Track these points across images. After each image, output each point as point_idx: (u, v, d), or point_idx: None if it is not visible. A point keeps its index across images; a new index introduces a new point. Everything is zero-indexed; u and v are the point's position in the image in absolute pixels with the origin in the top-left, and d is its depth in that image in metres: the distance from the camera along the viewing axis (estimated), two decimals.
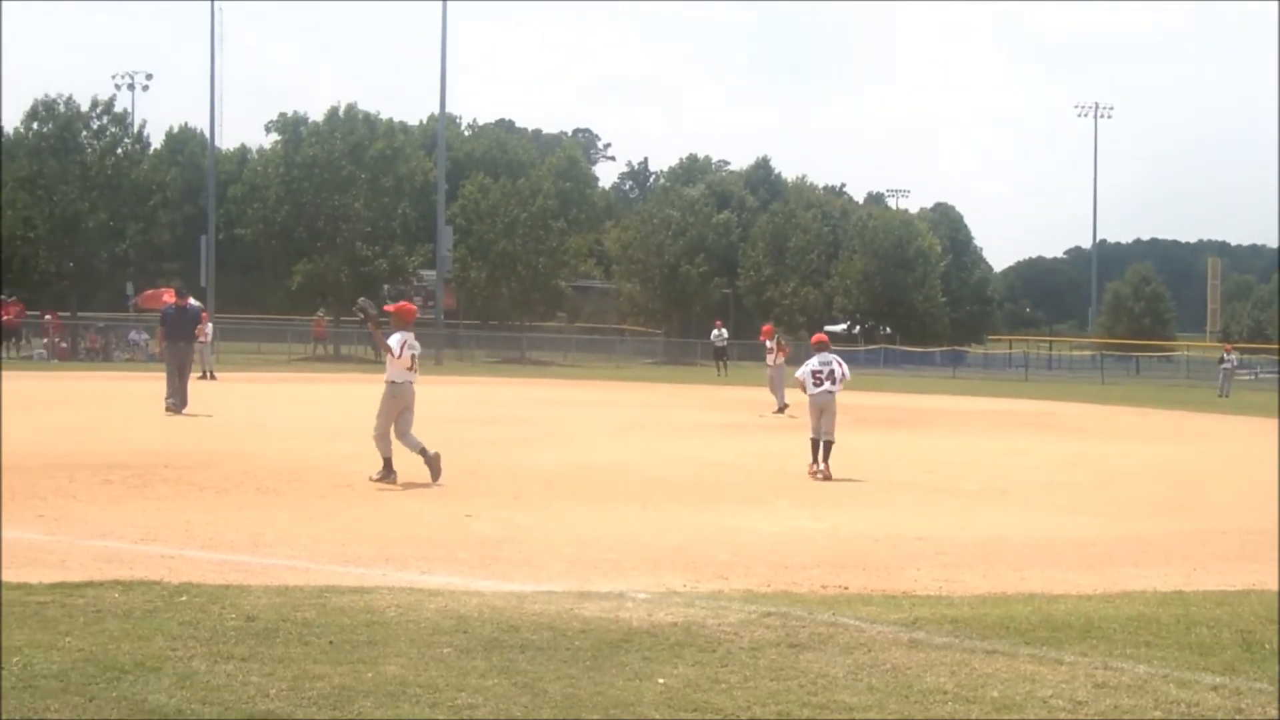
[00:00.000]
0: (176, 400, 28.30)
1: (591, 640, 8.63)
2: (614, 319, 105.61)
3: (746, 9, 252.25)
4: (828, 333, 24.46)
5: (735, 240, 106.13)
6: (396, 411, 18.55)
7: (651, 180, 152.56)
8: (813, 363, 21.29)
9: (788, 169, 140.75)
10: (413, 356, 18.98)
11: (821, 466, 20.29)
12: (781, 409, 34.67)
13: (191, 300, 31.58)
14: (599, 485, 18.48)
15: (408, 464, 17.89)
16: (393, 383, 18.73)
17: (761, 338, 38.51)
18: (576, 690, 7.41)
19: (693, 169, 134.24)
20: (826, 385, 20.90)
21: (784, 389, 35.05)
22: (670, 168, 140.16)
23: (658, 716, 6.96)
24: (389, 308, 20.64)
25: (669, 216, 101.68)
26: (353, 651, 8.12)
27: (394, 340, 18.94)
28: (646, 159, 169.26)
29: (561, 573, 11.44)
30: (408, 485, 17.48)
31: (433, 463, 18.11)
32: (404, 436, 18.46)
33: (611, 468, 20.85)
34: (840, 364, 21.35)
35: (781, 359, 36.59)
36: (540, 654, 8.22)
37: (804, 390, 21.33)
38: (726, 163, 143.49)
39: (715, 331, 67.70)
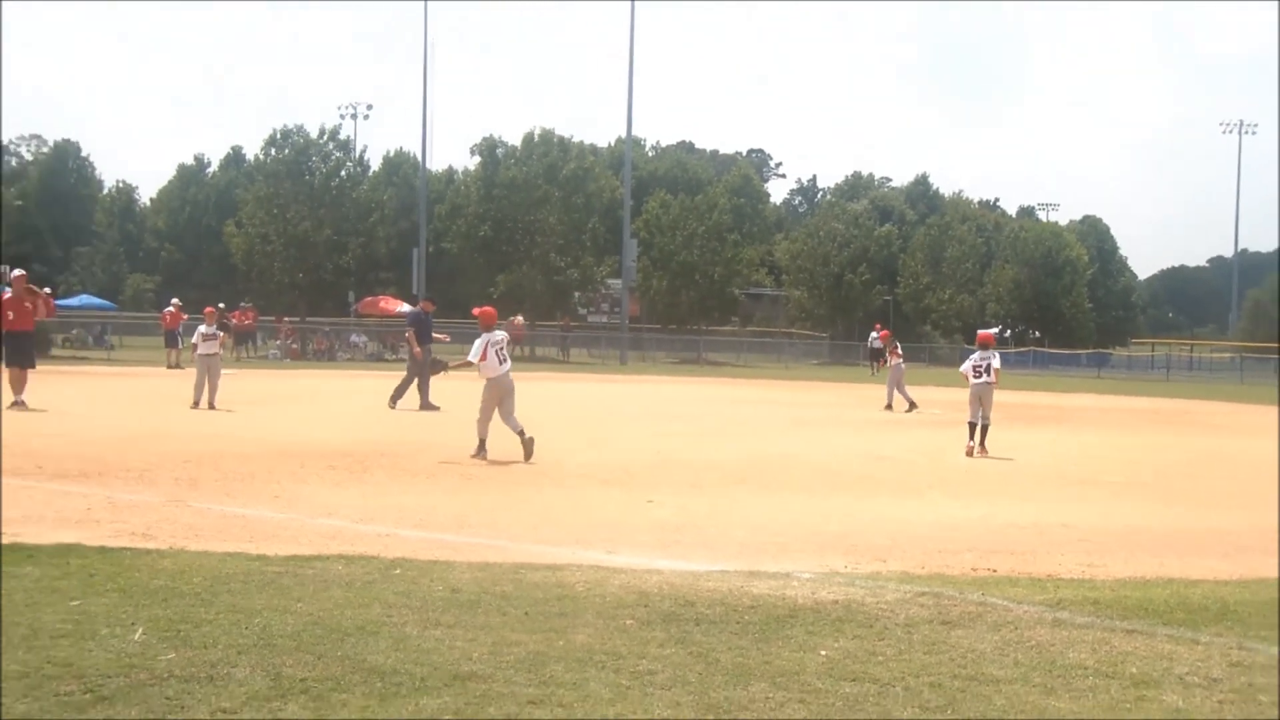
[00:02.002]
0: (395, 392, 28.73)
1: (760, 615, 8.66)
2: (783, 323, 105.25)
3: (908, 40, 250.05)
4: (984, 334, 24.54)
5: (895, 251, 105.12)
6: (496, 401, 19.16)
7: (819, 196, 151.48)
8: (974, 357, 23.01)
9: (945, 185, 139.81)
10: (497, 351, 19.52)
11: (978, 446, 21.79)
12: (909, 405, 34.05)
13: (422, 307, 31.91)
14: (769, 475, 18.45)
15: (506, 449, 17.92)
16: (489, 380, 19.31)
17: (879, 340, 37.93)
18: (746, 660, 7.45)
19: (857, 185, 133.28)
20: (985, 377, 22.44)
21: (905, 388, 34.67)
22: (836, 184, 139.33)
23: (820, 685, 6.97)
24: (475, 312, 21.03)
25: (834, 229, 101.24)
26: (545, 621, 8.23)
27: (476, 345, 19.54)
28: (815, 176, 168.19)
29: (733, 554, 11.45)
30: (509, 464, 17.62)
31: (527, 445, 18.74)
32: (508, 419, 19.13)
33: (780, 459, 20.80)
34: (996, 357, 23.07)
35: (895, 360, 35.89)
36: (713, 627, 8.27)
37: (967, 381, 22.78)
38: (888, 179, 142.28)
39: (873, 335, 67.17)
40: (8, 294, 27.66)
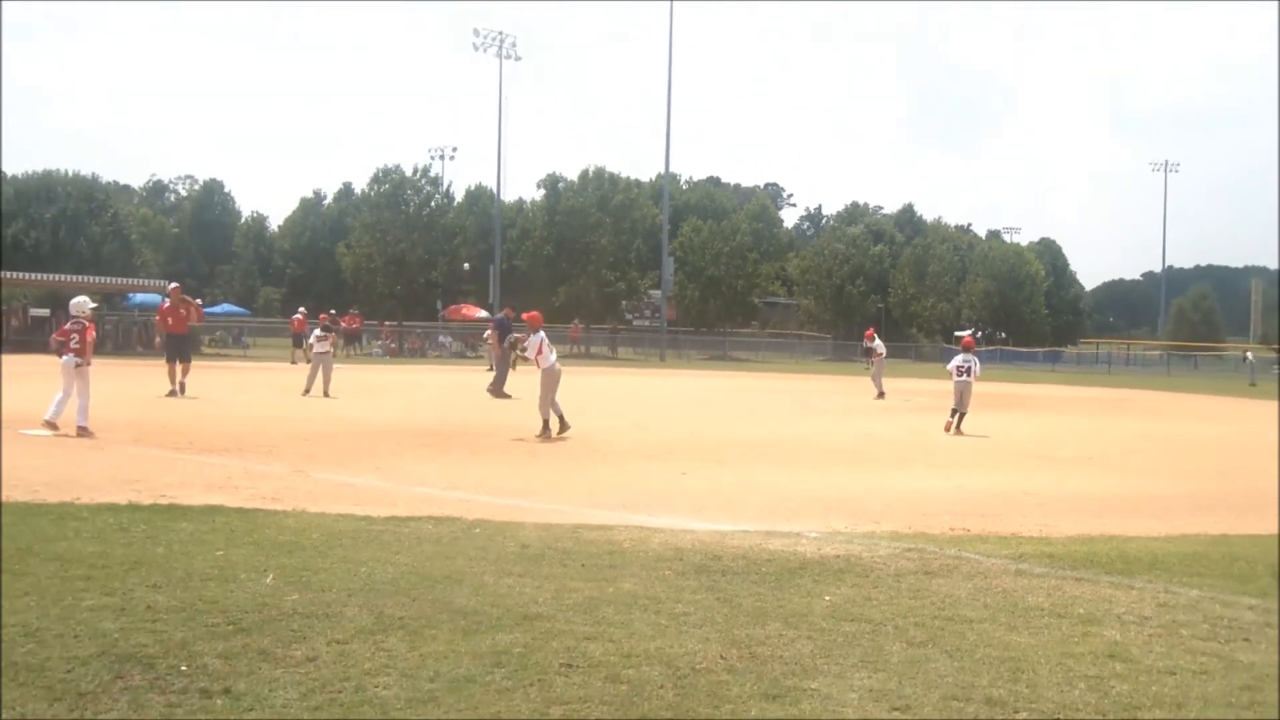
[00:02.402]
0: (496, 387, 28.85)
1: (775, 567, 8.66)
2: (794, 326, 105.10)
3: (897, 91, 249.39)
4: (960, 338, 24.82)
5: (886, 267, 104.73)
6: (552, 388, 19.03)
7: (823, 221, 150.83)
8: (958, 359, 23.30)
9: (928, 212, 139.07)
10: (548, 347, 19.61)
11: (955, 427, 22.36)
12: (880, 396, 33.88)
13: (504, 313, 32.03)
14: (782, 452, 18.41)
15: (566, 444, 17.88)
16: (547, 370, 19.15)
17: (866, 340, 37.79)
18: (764, 604, 7.45)
19: (855, 213, 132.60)
20: (965, 376, 22.76)
21: (881, 381, 34.73)
22: (837, 212, 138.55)
23: (825, 624, 6.97)
24: (525, 316, 21.07)
25: (836, 249, 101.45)
26: (598, 572, 8.24)
27: (532, 341, 19.52)
28: (820, 205, 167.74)
29: (753, 517, 11.44)
30: (567, 442, 17.64)
31: (563, 425, 18.85)
32: (543, 402, 19.00)
33: (792, 439, 20.77)
34: (976, 361, 23.43)
35: (878, 357, 35.80)
36: (737, 577, 8.27)
37: (951, 376, 23.10)
38: (881, 208, 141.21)
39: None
40: (166, 304, 27.87)
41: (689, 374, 53.63)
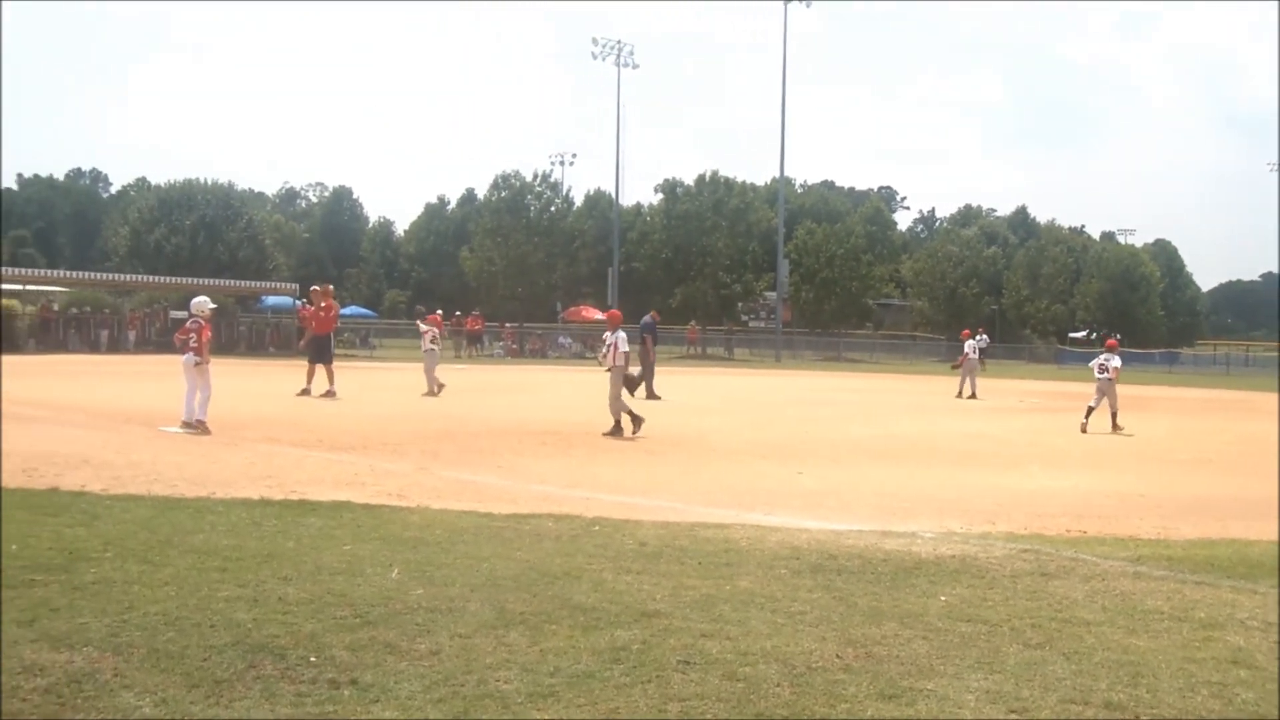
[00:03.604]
0: (645, 390, 29.00)
1: (891, 567, 8.56)
2: (908, 328, 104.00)
3: (1010, 93, 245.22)
4: (1074, 339, 24.62)
5: (1000, 269, 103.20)
6: (622, 386, 19.00)
7: (937, 224, 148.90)
8: (1100, 358, 23.55)
9: (1041, 214, 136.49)
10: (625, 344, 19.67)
11: (1112, 425, 22.70)
12: (968, 393, 33.80)
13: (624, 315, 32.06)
14: (896, 452, 18.22)
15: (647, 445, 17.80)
16: (618, 368, 19.13)
17: (962, 338, 37.63)
18: (879, 603, 7.37)
19: (968, 215, 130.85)
20: (1106, 375, 23.04)
21: (975, 382, 34.59)
22: (951, 214, 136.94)
23: (940, 624, 6.87)
24: (605, 315, 20.97)
25: (950, 251, 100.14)
26: (715, 570, 8.21)
27: (622, 339, 19.53)
28: (933, 208, 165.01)
29: (868, 516, 11.33)
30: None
31: (637, 422, 18.75)
32: (614, 400, 18.96)
33: (906, 439, 20.55)
34: (1116, 361, 23.53)
35: (974, 357, 35.55)
36: (852, 576, 8.18)
37: (1094, 375, 23.46)
38: (994, 210, 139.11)
39: (978, 336, 65.50)
40: (304, 306, 28.34)
41: (804, 375, 53.30)
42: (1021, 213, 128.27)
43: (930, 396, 35.05)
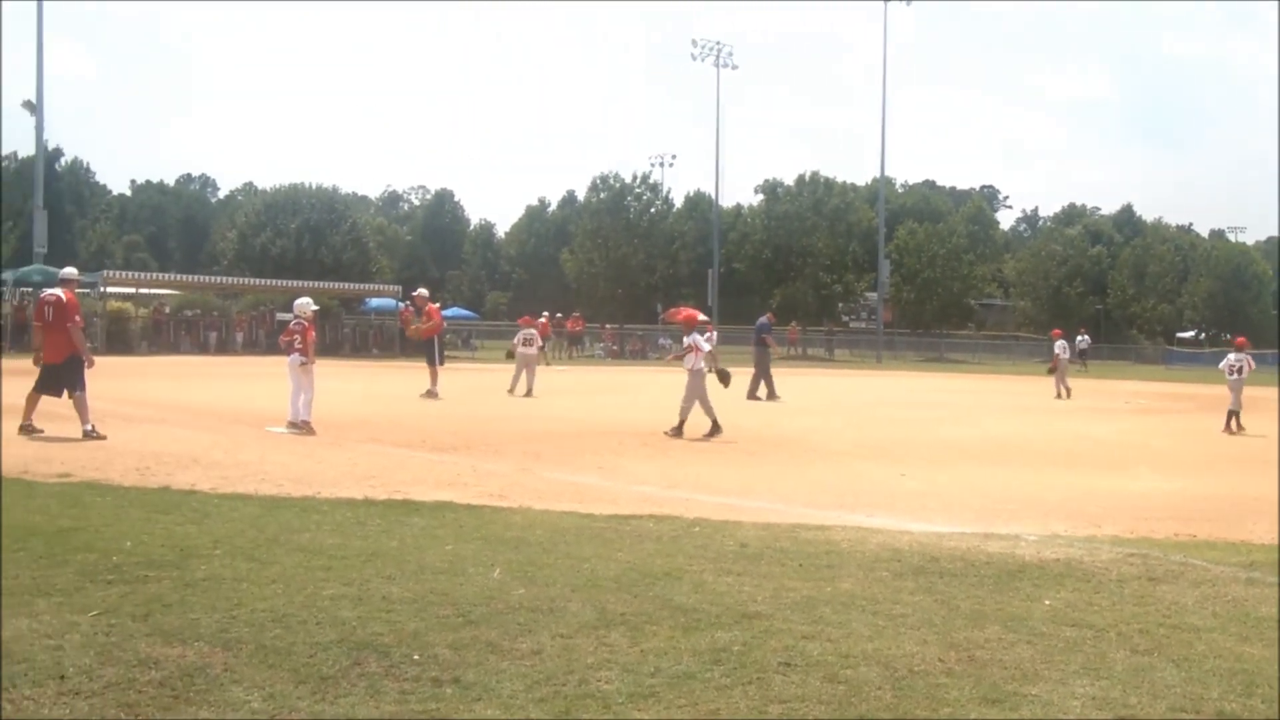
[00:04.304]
0: (765, 391, 29.09)
1: (994, 570, 8.44)
2: (1011, 328, 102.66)
3: (1114, 90, 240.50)
4: (1182, 339, 24.24)
5: (1105, 268, 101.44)
6: (702, 389, 18.67)
7: (1040, 223, 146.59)
8: (1230, 358, 23.68)
9: (1147, 212, 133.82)
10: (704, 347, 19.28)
11: (1235, 425, 22.60)
12: (1064, 394, 34.10)
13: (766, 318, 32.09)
14: (999, 453, 18.00)
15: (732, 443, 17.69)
16: (695, 371, 18.80)
17: (1086, 342, 37.77)
18: (982, 606, 7.27)
19: (1072, 214, 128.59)
20: (1237, 375, 23.14)
21: (1066, 382, 34.90)
22: (1054, 213, 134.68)
23: (1045, 629, 6.75)
24: (682, 316, 20.87)
25: (1053, 250, 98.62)
26: (816, 572, 8.16)
27: (700, 340, 19.24)
28: (1036, 207, 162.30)
29: (971, 518, 11.19)
30: (784, 442, 17.44)
31: (715, 428, 18.30)
32: (702, 402, 18.58)
33: (1009, 440, 20.29)
34: (1248, 360, 23.73)
35: (1066, 357, 35.95)
36: (955, 579, 8.09)
37: (1225, 375, 23.55)
38: (1098, 209, 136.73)
39: (1080, 336, 64.62)
40: (406, 308, 28.63)
41: (905, 375, 52.86)
42: (1127, 211, 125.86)
43: (1033, 398, 34.55)
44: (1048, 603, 7.43)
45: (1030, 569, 8.51)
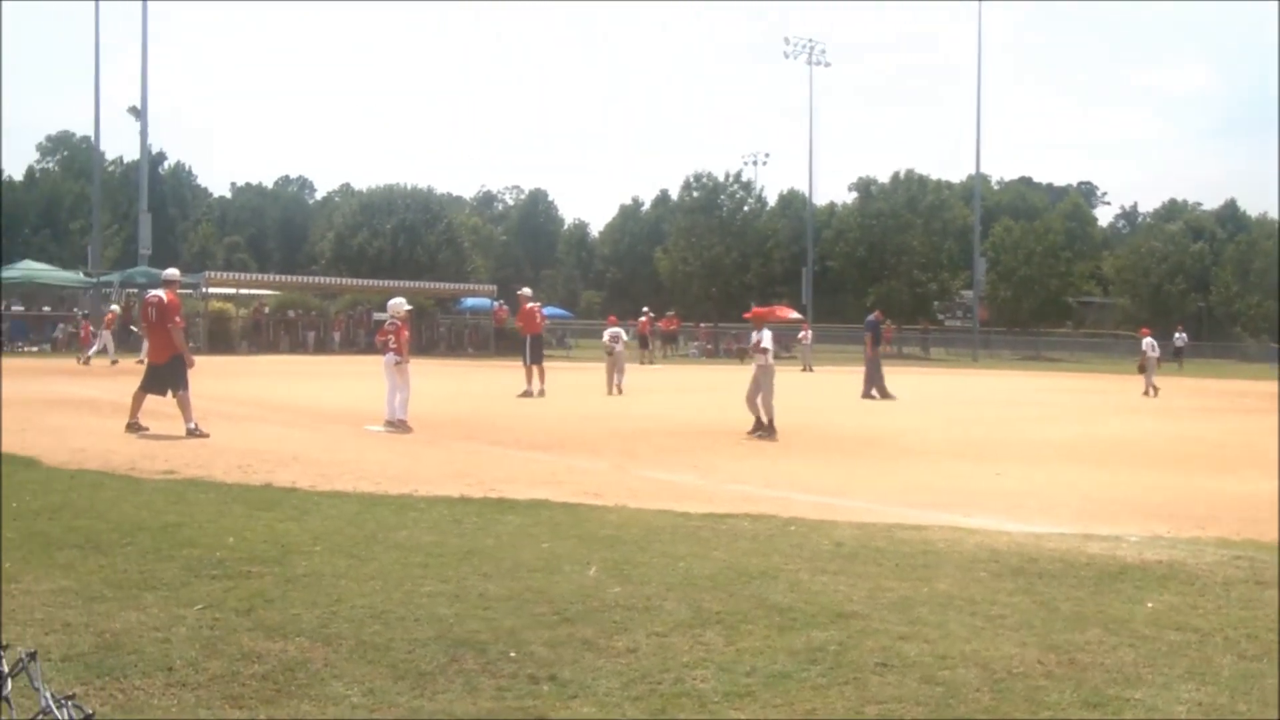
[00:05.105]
0: (878, 390, 29.03)
1: (1094, 571, 8.31)
2: (1110, 326, 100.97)
3: (1220, 84, 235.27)
4: None
5: (1207, 265, 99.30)
6: (771, 386, 18.36)
7: (1139, 219, 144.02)
8: None
9: (1251, 207, 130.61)
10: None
11: None
12: (1151, 393, 33.68)
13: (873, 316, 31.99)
14: (1098, 452, 17.68)
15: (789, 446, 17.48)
16: (764, 367, 18.48)
17: (1182, 339, 37.20)
18: (1082, 609, 7.16)
19: (1172, 210, 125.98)
20: None
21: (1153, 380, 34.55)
22: (1154, 209, 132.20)
23: (1147, 631, 6.63)
24: (750, 314, 20.65)
25: (1154, 247, 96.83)
26: (912, 572, 8.10)
27: (767, 336, 18.98)
28: (1135, 203, 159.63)
29: (1070, 519, 11.00)
30: (879, 440, 17.28)
31: (761, 427, 18.09)
32: (764, 399, 18.31)
33: (1109, 439, 19.95)
34: None
35: (1155, 355, 35.60)
36: (1054, 580, 7.97)
37: None
38: (1200, 204, 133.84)
39: (1177, 334, 63.37)
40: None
41: (1002, 374, 52.21)
42: (1230, 206, 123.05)
43: (1133, 397, 33.96)
44: (1150, 605, 7.30)
45: (1132, 571, 8.36)
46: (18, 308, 56.84)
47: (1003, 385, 40.57)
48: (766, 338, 18.95)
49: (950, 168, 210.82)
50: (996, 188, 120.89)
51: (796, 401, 26.50)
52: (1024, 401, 31.13)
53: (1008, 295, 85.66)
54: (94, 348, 39.87)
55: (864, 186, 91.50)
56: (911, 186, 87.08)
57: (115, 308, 45.34)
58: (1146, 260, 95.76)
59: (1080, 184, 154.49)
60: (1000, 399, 32.08)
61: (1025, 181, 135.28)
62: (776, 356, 19.43)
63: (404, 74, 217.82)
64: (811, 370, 46.48)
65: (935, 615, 6.86)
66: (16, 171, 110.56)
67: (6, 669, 2.07)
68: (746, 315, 21.21)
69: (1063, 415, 26.11)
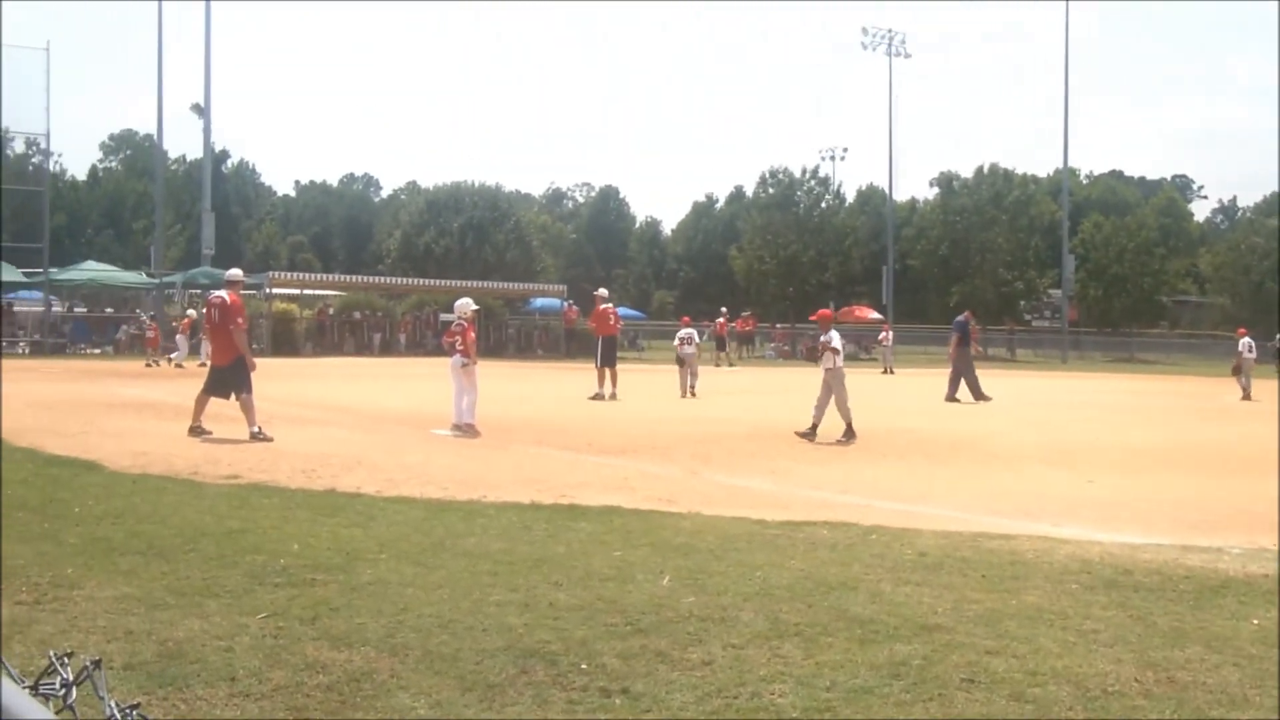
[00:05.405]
0: (972, 391, 28.88)
1: (1193, 585, 8.13)
2: (1207, 326, 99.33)
3: None
4: None
5: None
6: (844, 388, 18.30)
7: (1238, 214, 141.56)
8: None
9: None
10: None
11: None
12: (1244, 398, 33.47)
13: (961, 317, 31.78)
14: (1196, 459, 17.37)
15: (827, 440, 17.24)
16: (836, 369, 18.43)
17: (1237, 335, 36.87)
18: (1182, 624, 7.01)
19: (1274, 204, 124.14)
20: None
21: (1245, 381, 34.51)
22: (1255, 203, 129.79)
23: (1254, 650, 6.46)
24: (815, 316, 20.52)
25: (1254, 243, 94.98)
26: (1000, 583, 7.98)
27: (836, 338, 18.87)
28: (1235, 197, 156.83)
29: (1166, 529, 10.80)
30: (963, 446, 17.06)
31: (811, 431, 18.07)
32: (824, 401, 18.30)
33: (1206, 445, 19.60)
34: None
35: (1252, 356, 35.53)
36: (1150, 594, 7.82)
37: None
38: None
39: (1279, 335, 62.15)
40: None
41: (1092, 376, 51.56)
42: None
43: (1232, 401, 33.42)
44: (1255, 622, 7.13)
45: (1235, 585, 8.18)
46: (80, 309, 57.88)
47: (1093, 388, 40.06)
48: (836, 338, 18.88)
49: (1036, 161, 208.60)
50: (1085, 182, 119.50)
51: (877, 404, 26.32)
52: (1116, 405, 30.71)
53: (1098, 294, 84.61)
54: (178, 353, 40.78)
55: (946, 182, 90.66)
56: (996, 181, 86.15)
57: (191, 312, 45.99)
58: (1246, 257, 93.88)
59: (1175, 177, 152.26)
60: (1091, 402, 31.69)
61: (1116, 175, 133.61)
62: (854, 358, 19.35)
63: (472, 70, 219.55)
64: (892, 372, 46.18)
65: (1024, 629, 6.75)
66: (80, 171, 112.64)
67: (72, 677, 2.08)
68: (812, 317, 21.04)
69: (1157, 419, 25.72)
